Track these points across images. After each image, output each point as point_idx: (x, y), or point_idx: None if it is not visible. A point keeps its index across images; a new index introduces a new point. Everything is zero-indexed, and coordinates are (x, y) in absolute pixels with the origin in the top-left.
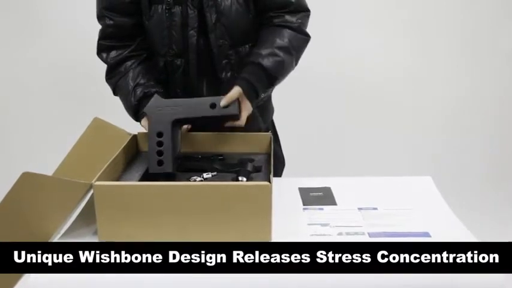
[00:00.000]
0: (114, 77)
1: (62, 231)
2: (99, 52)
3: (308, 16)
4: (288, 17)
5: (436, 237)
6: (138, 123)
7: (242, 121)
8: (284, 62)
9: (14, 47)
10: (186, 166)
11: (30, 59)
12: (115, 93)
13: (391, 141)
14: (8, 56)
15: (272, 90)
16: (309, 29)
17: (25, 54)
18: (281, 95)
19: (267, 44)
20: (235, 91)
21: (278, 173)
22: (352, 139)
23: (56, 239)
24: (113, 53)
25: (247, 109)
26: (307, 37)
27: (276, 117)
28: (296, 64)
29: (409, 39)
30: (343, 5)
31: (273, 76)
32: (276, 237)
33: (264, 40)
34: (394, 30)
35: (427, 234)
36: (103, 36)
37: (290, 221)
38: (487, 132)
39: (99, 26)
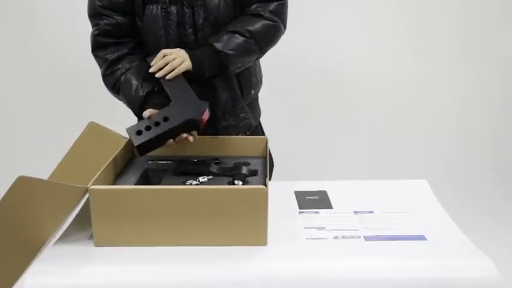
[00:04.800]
0: (115, 72)
1: (58, 236)
2: (96, 48)
3: (283, 4)
4: (257, 6)
5: (431, 240)
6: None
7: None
8: (237, 39)
9: (12, 47)
10: (182, 170)
11: (27, 60)
12: (114, 89)
13: (387, 145)
14: (5, 57)
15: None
16: (307, 31)
17: (22, 55)
18: (278, 96)
19: (224, 29)
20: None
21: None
22: (349, 142)
23: (52, 243)
24: (112, 49)
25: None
26: (276, 23)
27: (271, 119)
28: (260, 49)
29: (406, 41)
30: (342, 5)
31: (218, 50)
32: (272, 241)
33: (225, 28)
34: (393, 31)
35: (422, 238)
36: (100, 33)
37: (286, 225)
38: (484, 135)
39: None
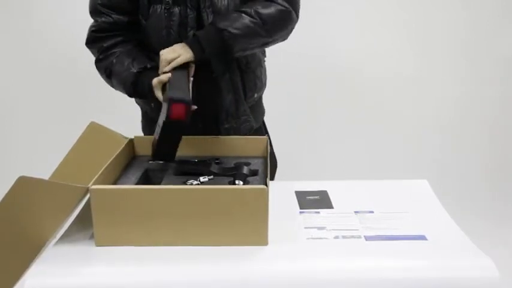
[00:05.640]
0: (108, 57)
1: (58, 236)
2: (91, 42)
3: None
4: None
5: (432, 240)
6: (134, 125)
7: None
8: (243, 19)
9: (12, 47)
10: (183, 170)
11: (27, 60)
12: (106, 72)
13: (387, 144)
14: (5, 57)
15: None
16: (306, 29)
17: (22, 55)
18: (276, 96)
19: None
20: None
21: (271, 174)
22: (349, 141)
23: (52, 243)
24: (106, 40)
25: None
26: (287, 9)
27: (272, 118)
28: (268, 33)
29: (406, 41)
30: (343, 4)
31: (221, 28)
32: (273, 240)
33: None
34: (393, 31)
35: (423, 237)
36: (97, 29)
37: (287, 225)
38: (484, 135)
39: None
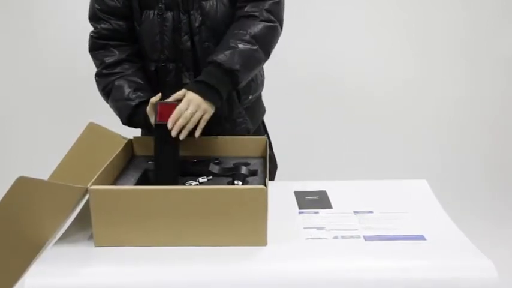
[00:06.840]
0: (109, 76)
1: (58, 236)
2: (94, 49)
3: (278, 3)
4: (249, 8)
5: (431, 241)
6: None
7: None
8: (242, 51)
9: (12, 47)
10: (182, 170)
11: (27, 60)
12: (104, 91)
13: (387, 144)
14: (4, 57)
15: (249, 84)
16: (306, 29)
17: (22, 55)
18: (276, 96)
19: (225, 39)
20: (179, 92)
21: (271, 175)
22: (348, 142)
23: (52, 244)
24: (110, 53)
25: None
26: (273, 23)
27: (270, 119)
28: (266, 54)
29: (406, 41)
30: (342, 5)
31: (231, 69)
32: (272, 241)
33: (225, 37)
34: (393, 31)
35: (422, 238)
36: (98, 36)
37: (286, 225)
38: (484, 135)
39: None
